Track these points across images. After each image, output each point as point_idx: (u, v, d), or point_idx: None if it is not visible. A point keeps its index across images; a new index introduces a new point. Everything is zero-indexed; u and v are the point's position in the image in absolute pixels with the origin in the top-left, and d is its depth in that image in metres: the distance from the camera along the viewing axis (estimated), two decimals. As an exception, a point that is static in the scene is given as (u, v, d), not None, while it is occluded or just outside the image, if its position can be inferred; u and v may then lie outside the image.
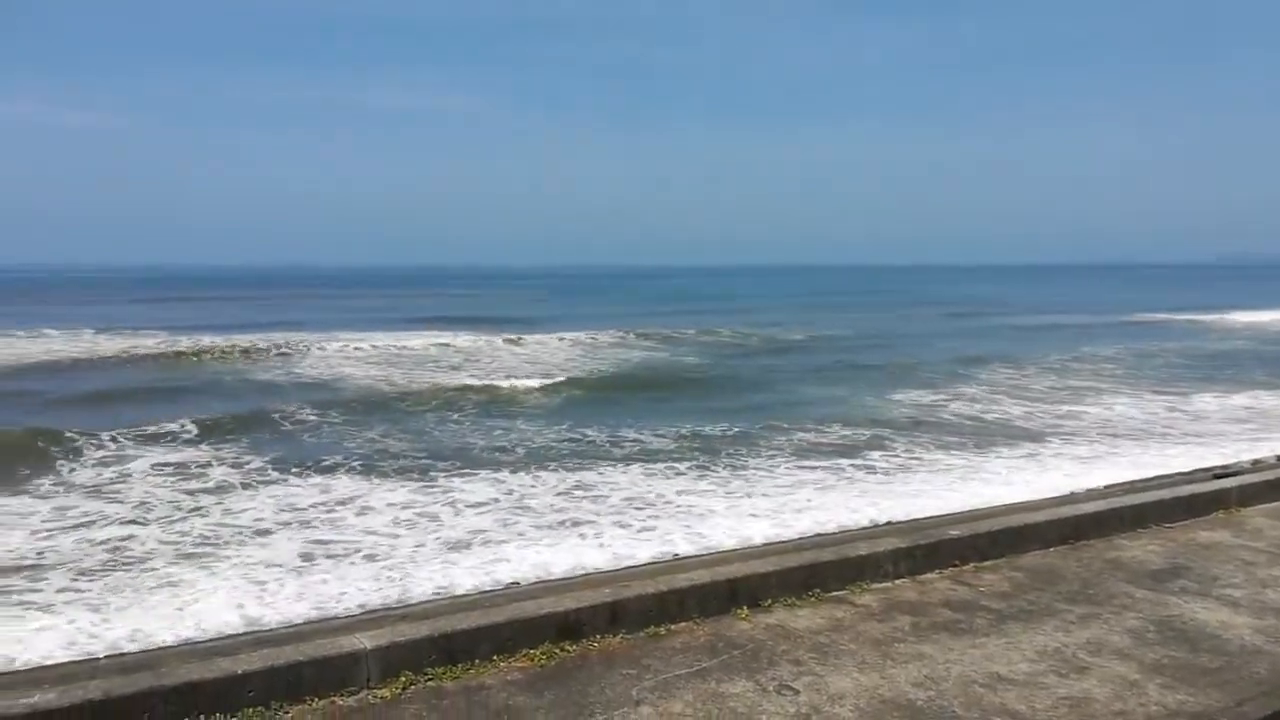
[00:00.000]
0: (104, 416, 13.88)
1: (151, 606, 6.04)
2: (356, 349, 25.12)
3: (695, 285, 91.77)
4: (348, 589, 6.17)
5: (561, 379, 19.01)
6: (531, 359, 24.08)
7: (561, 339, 26.81)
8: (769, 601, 5.26)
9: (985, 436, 12.22)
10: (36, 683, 4.11)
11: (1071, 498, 7.86)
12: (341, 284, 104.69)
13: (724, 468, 10.35)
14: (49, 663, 4.82)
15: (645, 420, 13.54)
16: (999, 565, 6.05)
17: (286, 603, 5.79)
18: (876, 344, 27.44)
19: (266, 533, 7.77)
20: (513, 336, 26.96)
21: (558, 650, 4.61)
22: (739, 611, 5.13)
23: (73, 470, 10.32)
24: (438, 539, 7.48)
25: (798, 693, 4.20)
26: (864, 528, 7.13)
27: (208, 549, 7.37)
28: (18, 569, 6.91)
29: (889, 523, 7.26)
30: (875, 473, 9.98)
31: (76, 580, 6.63)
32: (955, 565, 5.94)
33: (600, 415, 14.14)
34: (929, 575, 5.82)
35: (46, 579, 6.69)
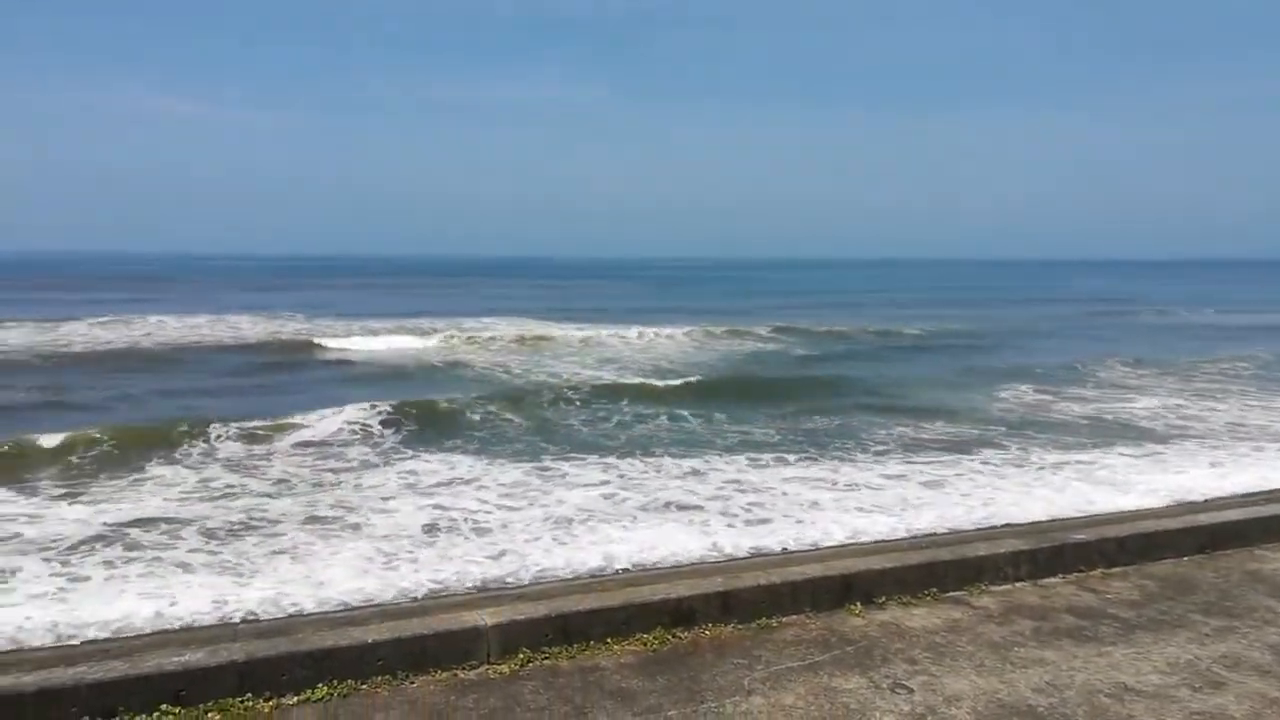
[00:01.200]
0: (246, 401, 14.73)
1: (284, 573, 6.36)
2: (490, 336, 25.60)
3: (812, 279, 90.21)
4: (470, 567, 6.34)
5: (676, 371, 19.09)
6: (645, 349, 24.18)
7: (673, 333, 26.77)
8: (883, 599, 5.20)
9: (1107, 436, 11.68)
10: (185, 643, 4.41)
11: (1207, 505, 7.47)
12: (506, 273, 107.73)
13: (832, 459, 10.22)
14: (195, 624, 5.13)
15: (756, 412, 13.48)
16: (1127, 572, 5.81)
17: (410, 574, 6.01)
18: (1000, 341, 26.52)
19: (392, 510, 8.05)
20: (622, 331, 27.10)
21: (670, 636, 4.68)
22: (852, 607, 5.08)
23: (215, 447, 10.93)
24: (562, 525, 7.57)
25: (912, 692, 4.14)
26: (982, 529, 6.94)
27: (337, 518, 7.70)
28: (165, 531, 7.39)
29: (1007, 525, 7.05)
30: (990, 471, 9.67)
31: (214, 544, 7.04)
32: (1080, 570, 5.74)
33: (712, 404, 14.14)
34: (1051, 580, 5.64)
35: (192, 542, 7.12)
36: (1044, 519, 7.21)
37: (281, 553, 6.70)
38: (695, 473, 9.53)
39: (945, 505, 7.95)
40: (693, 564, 6.06)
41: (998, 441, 11.31)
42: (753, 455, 10.37)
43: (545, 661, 4.39)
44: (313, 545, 6.85)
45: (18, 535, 7.24)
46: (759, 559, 6.02)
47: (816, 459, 10.26)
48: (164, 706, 3.82)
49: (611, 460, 10.17)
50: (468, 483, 9.02)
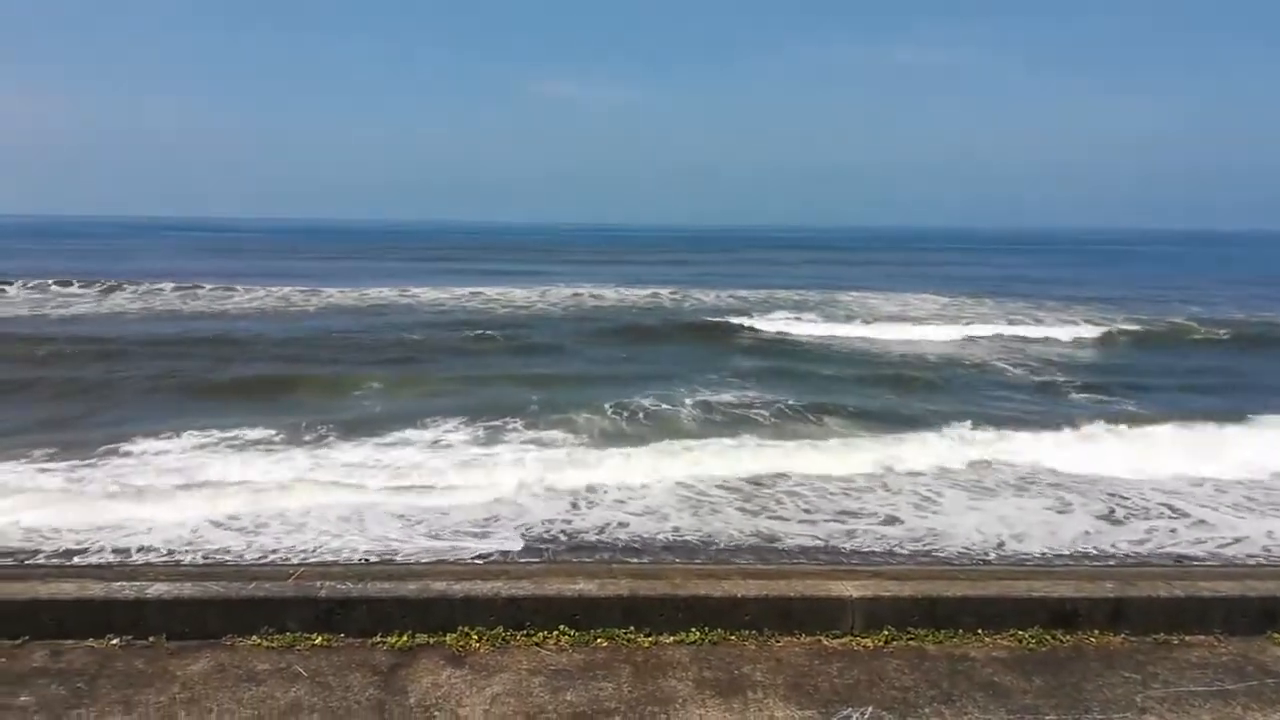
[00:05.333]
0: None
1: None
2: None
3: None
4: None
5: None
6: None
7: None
8: (1321, 635, 4.46)
9: None
10: (573, 574, 4.90)
11: None
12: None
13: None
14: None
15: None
16: None
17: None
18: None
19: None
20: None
21: (1049, 637, 4.38)
22: (1276, 636, 4.42)
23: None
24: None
25: (1356, 745, 3.53)
26: None
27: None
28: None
29: None
30: None
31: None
32: None
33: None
34: None
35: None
36: None
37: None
38: None
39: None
40: (1065, 564, 5.61)
41: None
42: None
43: (911, 642, 4.31)
44: None
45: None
46: (1156, 567, 5.42)
47: None
48: (562, 627, 4.28)
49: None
50: None
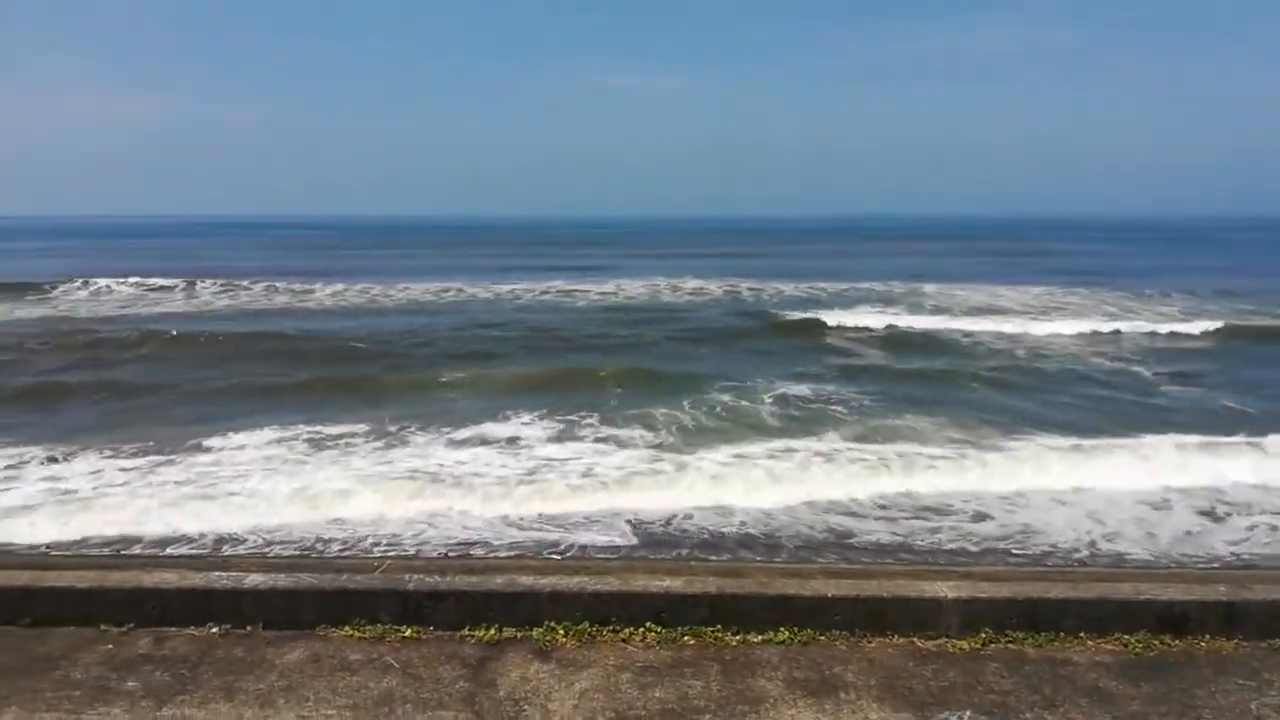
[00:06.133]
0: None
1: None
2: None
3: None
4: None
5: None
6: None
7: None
8: None
9: None
10: (655, 571, 4.87)
11: None
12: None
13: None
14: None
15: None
16: None
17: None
18: None
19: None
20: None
21: (1156, 641, 4.19)
22: (1405, 645, 4.16)
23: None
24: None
25: None
26: None
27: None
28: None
29: None
30: None
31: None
32: None
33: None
34: None
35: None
36: None
37: None
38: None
39: None
40: (1178, 566, 5.37)
41: None
42: None
43: (1009, 645, 4.17)
44: None
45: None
46: (1268, 570, 5.16)
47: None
48: (648, 623, 4.25)
49: None
50: None
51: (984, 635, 4.19)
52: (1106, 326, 20.90)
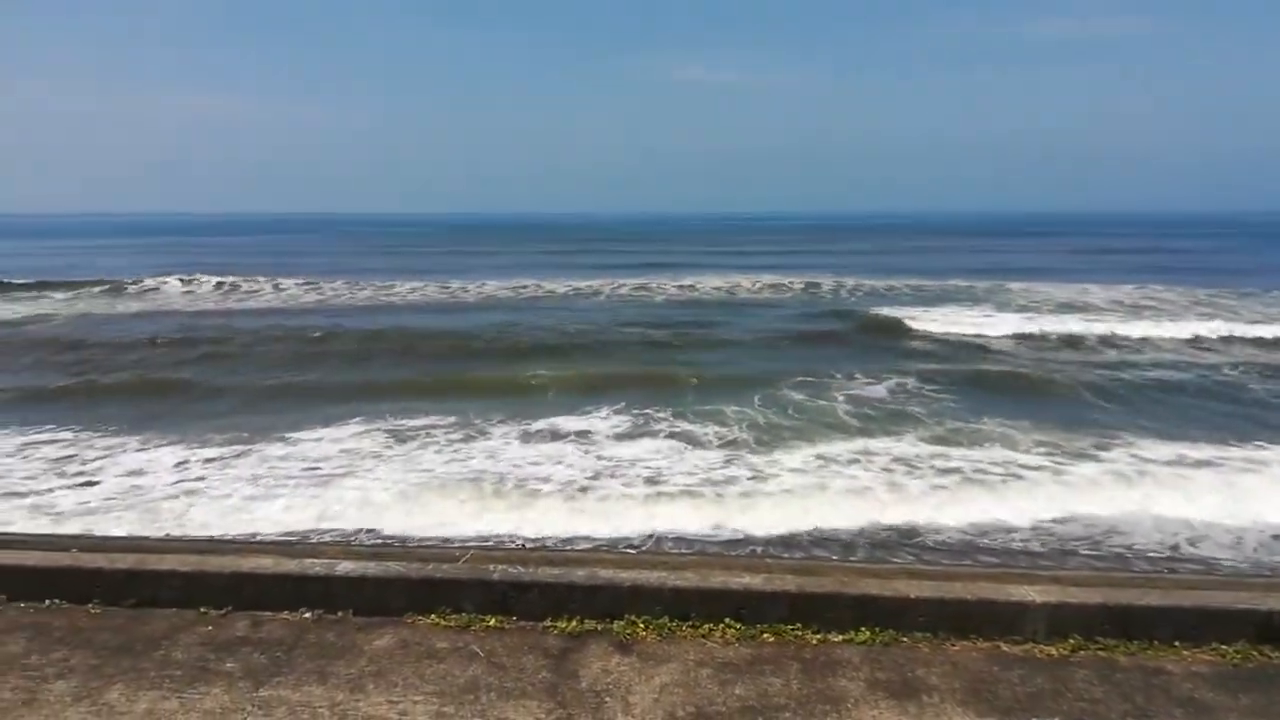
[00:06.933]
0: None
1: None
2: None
3: None
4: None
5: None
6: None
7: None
8: None
9: None
10: (732, 567, 4.87)
11: None
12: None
13: None
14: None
15: None
16: None
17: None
18: None
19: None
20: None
21: (1255, 652, 4.04)
22: None
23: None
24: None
25: None
26: None
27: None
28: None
29: None
30: None
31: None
32: None
33: None
34: None
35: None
36: None
37: None
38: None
39: None
40: (1274, 575, 5.16)
41: None
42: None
43: (1100, 652, 4.07)
44: None
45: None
46: (1379, 583, 4.91)
47: None
48: (727, 620, 4.26)
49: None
50: None
51: (1073, 641, 4.10)
52: (1205, 328, 19.99)
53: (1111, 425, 11.29)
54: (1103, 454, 9.84)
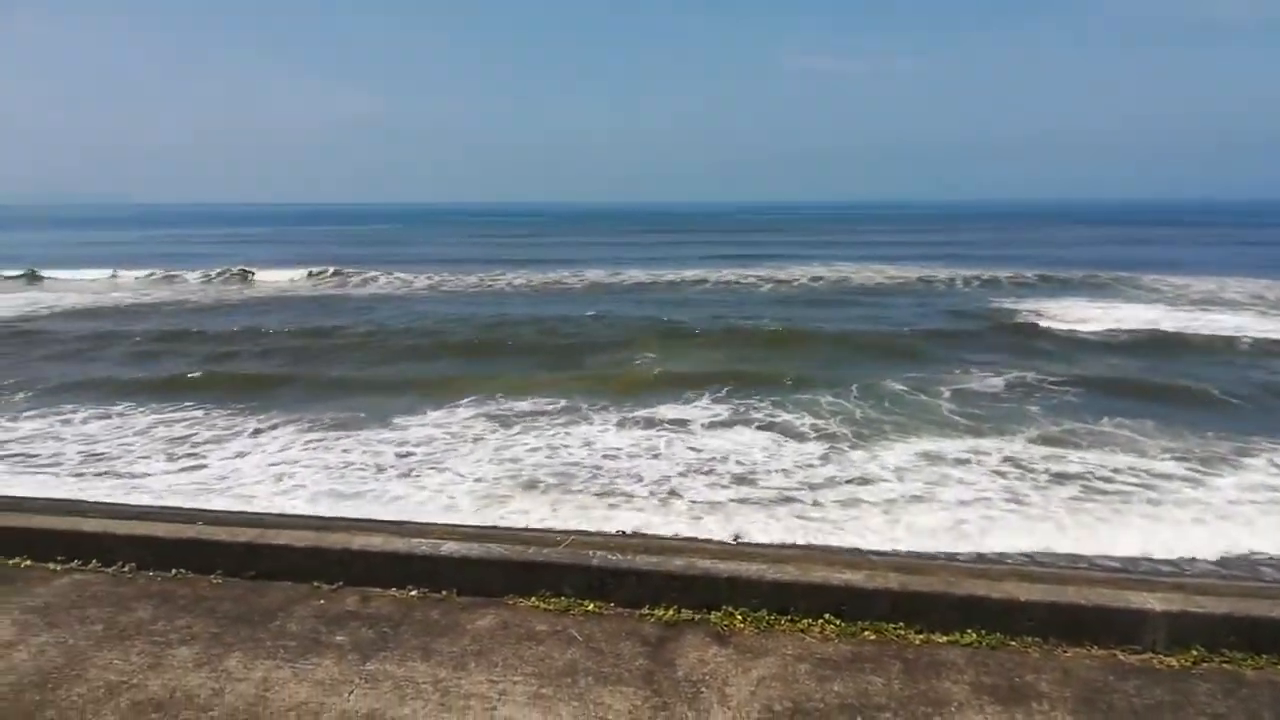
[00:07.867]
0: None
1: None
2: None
3: None
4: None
5: None
6: None
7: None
8: None
9: None
10: (832, 562, 4.80)
11: None
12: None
13: None
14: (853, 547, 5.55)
15: None
16: None
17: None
18: None
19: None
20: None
21: (1400, 675, 3.76)
22: None
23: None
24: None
25: None
26: None
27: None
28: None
29: None
30: None
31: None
32: None
33: None
34: None
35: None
36: None
37: None
38: None
39: None
40: None
41: None
42: None
43: (1224, 665, 3.85)
44: None
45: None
46: None
47: None
48: (827, 615, 4.20)
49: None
50: None
51: (1195, 653, 3.89)
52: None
53: (1251, 431, 10.43)
54: (1246, 459, 9.16)
